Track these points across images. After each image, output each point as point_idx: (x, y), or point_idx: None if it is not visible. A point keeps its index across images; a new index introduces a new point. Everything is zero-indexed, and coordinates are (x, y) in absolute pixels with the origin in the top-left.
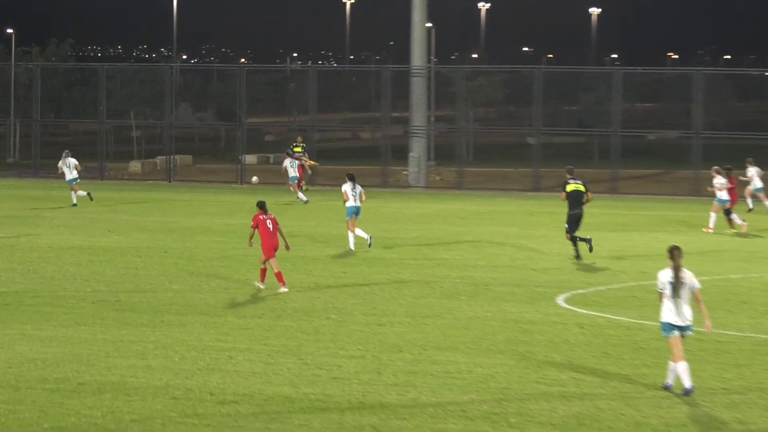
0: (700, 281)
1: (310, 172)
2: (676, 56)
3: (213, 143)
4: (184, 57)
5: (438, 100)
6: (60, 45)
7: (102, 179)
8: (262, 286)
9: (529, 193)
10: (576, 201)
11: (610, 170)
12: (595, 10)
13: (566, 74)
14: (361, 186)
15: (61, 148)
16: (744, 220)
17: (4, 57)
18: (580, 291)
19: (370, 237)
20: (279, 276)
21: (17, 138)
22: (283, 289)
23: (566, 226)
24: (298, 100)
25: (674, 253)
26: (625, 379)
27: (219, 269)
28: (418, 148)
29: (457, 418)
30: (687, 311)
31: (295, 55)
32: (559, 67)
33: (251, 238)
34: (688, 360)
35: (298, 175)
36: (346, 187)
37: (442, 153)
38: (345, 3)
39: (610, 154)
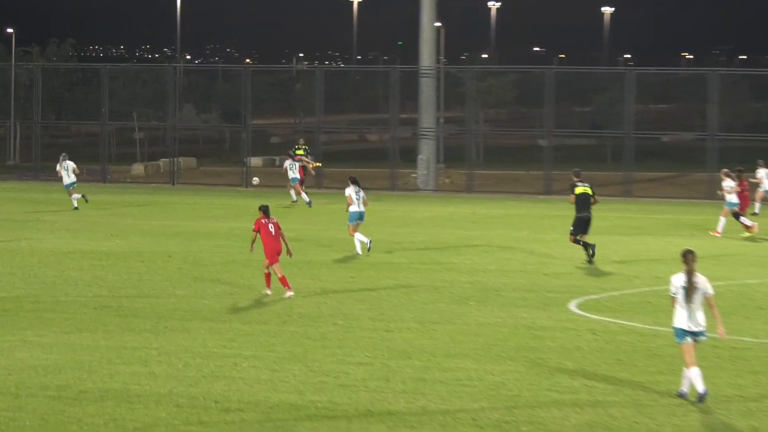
0: (715, 286)
1: (313, 173)
2: (691, 56)
3: (217, 145)
4: (188, 57)
5: (447, 101)
6: (61, 45)
7: (104, 182)
8: (269, 292)
9: (541, 197)
10: (584, 204)
11: (623, 173)
12: (607, 9)
13: (578, 75)
14: (364, 190)
15: (63, 150)
16: (753, 221)
17: (4, 57)
18: (593, 296)
19: (370, 241)
20: (283, 280)
21: (17, 140)
22: (289, 293)
23: (571, 228)
24: (304, 101)
25: (688, 257)
26: (639, 386)
27: (224, 274)
28: (427, 151)
29: (467, 427)
30: (700, 316)
31: (301, 55)
32: (571, 68)
33: (253, 242)
34: (703, 367)
35: (299, 176)
36: (350, 191)
37: (451, 155)
38: (352, 2)
39: (623, 157)
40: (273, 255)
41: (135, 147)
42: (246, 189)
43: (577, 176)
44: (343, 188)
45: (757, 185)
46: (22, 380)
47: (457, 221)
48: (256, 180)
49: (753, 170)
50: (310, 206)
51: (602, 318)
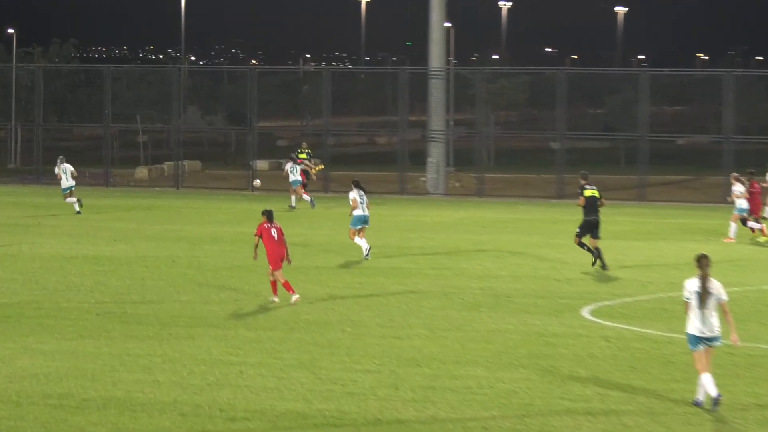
0: (731, 292)
1: (315, 178)
2: (706, 57)
3: (223, 148)
4: (193, 58)
5: (457, 103)
6: (63, 45)
7: (107, 186)
8: (275, 299)
9: (553, 201)
10: (593, 207)
11: (638, 176)
12: (621, 9)
13: (591, 76)
14: (371, 193)
15: (65, 153)
16: (760, 222)
17: (4, 58)
18: (606, 302)
19: (369, 249)
20: (287, 285)
21: (18, 143)
22: (295, 297)
23: (578, 230)
24: (311, 103)
25: (702, 261)
26: (653, 394)
27: (229, 280)
28: (436, 154)
29: None
30: (714, 322)
31: (308, 55)
32: (584, 69)
33: (256, 248)
34: (719, 374)
35: (300, 179)
36: (354, 195)
37: (461, 158)
38: (360, 2)
39: (637, 160)
40: (276, 261)
41: (138, 150)
42: (252, 193)
43: (584, 179)
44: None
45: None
46: (23, 388)
47: (468, 226)
48: (257, 182)
49: (765, 173)
50: (312, 206)
51: (615, 324)
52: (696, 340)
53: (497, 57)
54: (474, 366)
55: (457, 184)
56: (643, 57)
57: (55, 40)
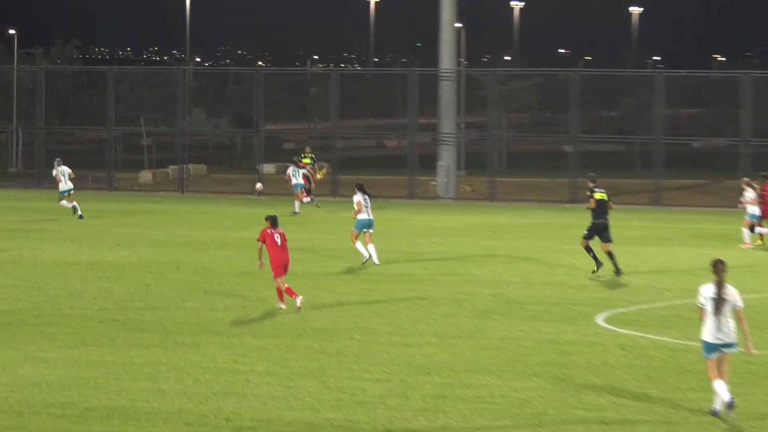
0: (748, 299)
1: (314, 187)
2: (723, 58)
3: (228, 151)
4: (198, 59)
5: (468, 106)
6: (65, 46)
7: (110, 190)
8: (283, 306)
9: (566, 205)
10: (602, 210)
11: (653, 180)
12: (635, 10)
13: (605, 78)
14: (382, 198)
15: (67, 156)
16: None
17: (5, 59)
18: (621, 309)
19: (368, 258)
20: (289, 291)
21: (20, 146)
22: (299, 299)
23: (585, 233)
24: (319, 106)
25: (718, 267)
26: (669, 403)
27: (235, 286)
28: (447, 157)
29: None
30: (731, 328)
31: (315, 57)
32: (598, 70)
33: (260, 255)
34: (736, 383)
35: (302, 182)
36: (359, 198)
37: (472, 162)
38: (369, 2)
39: (652, 163)
40: (279, 267)
41: (142, 153)
42: (258, 198)
43: (593, 182)
44: None
45: None
46: (25, 397)
47: (479, 231)
48: (259, 186)
49: None
50: (315, 204)
51: (631, 332)
52: (711, 347)
53: (509, 58)
54: (486, 374)
55: (468, 189)
56: (659, 58)
57: (57, 41)
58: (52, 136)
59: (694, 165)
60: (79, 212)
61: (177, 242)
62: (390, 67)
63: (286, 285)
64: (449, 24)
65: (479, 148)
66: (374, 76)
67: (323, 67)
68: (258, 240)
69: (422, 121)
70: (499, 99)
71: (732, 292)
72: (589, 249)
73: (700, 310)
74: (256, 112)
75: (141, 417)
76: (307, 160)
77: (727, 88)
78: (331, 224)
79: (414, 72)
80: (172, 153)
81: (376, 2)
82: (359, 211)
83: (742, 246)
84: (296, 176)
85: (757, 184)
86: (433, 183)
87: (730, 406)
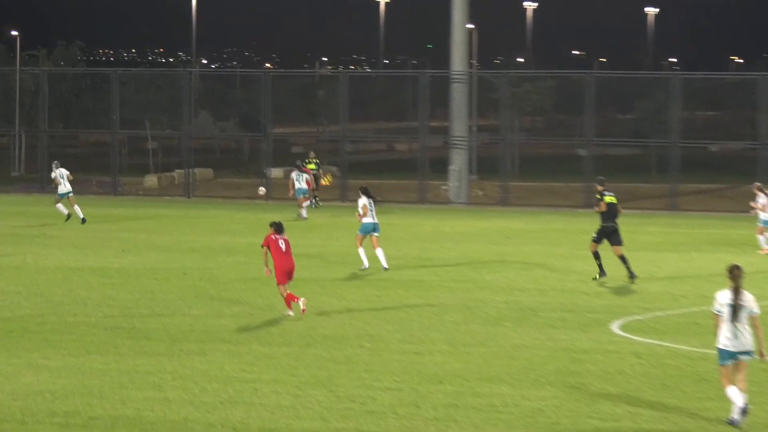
0: (765, 305)
1: (315, 194)
2: (740, 60)
3: (235, 155)
4: (204, 61)
5: (480, 108)
6: (68, 48)
7: (115, 194)
8: (291, 313)
9: (580, 210)
10: (612, 214)
11: (669, 185)
12: (651, 10)
13: (620, 80)
14: (392, 203)
15: (71, 160)
16: None
17: (7, 61)
18: (637, 317)
19: (367, 267)
20: (291, 297)
21: (23, 150)
22: (302, 301)
23: (594, 235)
24: (328, 109)
25: (734, 272)
26: (686, 413)
27: (242, 293)
28: (458, 161)
29: None
30: (747, 336)
31: (324, 58)
32: (613, 72)
33: (266, 261)
34: (754, 392)
35: (305, 187)
36: (365, 201)
37: (485, 166)
38: (379, 2)
39: (668, 167)
40: (283, 274)
41: (148, 157)
42: (266, 202)
43: (602, 185)
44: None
45: None
46: (28, 406)
47: (491, 236)
48: (262, 190)
49: None
50: (314, 205)
51: (647, 340)
52: (727, 354)
53: (522, 60)
54: (498, 383)
55: (480, 193)
56: (675, 60)
57: (60, 43)
58: (55, 140)
59: (710, 169)
60: (82, 216)
61: (183, 248)
62: (400, 69)
63: (288, 292)
64: (461, 25)
65: (491, 152)
66: (384, 78)
67: (332, 69)
68: (262, 246)
69: (433, 124)
70: (512, 101)
71: (749, 299)
72: (597, 255)
73: (715, 317)
74: (263, 115)
75: (146, 426)
76: (312, 166)
77: (745, 91)
78: (339, 229)
79: (425, 74)
80: (177, 157)
81: (386, 3)
82: (365, 215)
83: (760, 252)
84: (300, 181)
85: None
86: (444, 187)
87: (743, 411)
